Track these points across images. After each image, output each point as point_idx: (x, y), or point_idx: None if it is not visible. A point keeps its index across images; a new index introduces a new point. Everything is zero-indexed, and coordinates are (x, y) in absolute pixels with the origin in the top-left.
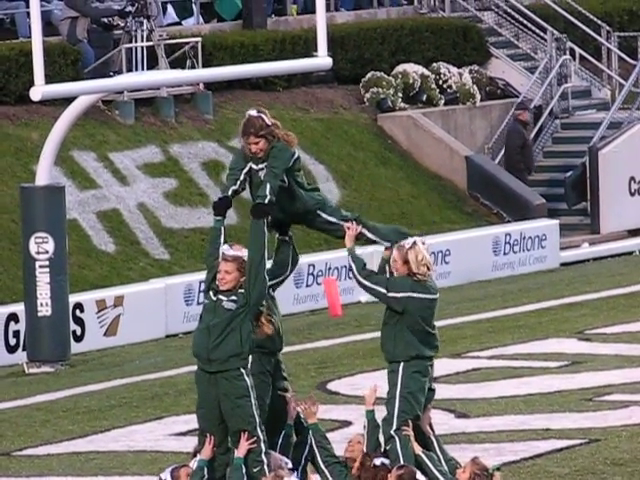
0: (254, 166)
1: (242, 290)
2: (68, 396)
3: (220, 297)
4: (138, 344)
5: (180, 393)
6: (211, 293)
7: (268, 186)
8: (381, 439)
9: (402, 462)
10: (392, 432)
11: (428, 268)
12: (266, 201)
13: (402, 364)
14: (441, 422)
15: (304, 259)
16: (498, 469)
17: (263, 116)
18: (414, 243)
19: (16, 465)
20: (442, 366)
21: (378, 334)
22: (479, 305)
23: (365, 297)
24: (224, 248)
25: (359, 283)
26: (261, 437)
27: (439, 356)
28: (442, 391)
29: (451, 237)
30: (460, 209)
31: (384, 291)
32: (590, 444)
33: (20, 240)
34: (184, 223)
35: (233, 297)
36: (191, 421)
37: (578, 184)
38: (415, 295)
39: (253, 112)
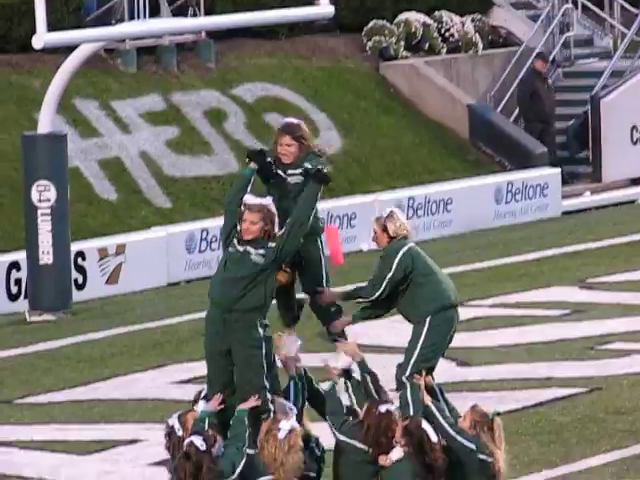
0: (281, 173)
1: (272, 244)
2: (70, 344)
3: (248, 249)
4: (140, 292)
5: (182, 341)
6: (236, 243)
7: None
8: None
9: (411, 409)
10: (404, 378)
11: (407, 232)
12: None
13: (429, 318)
14: (443, 370)
15: None
16: (498, 414)
17: (302, 124)
18: (391, 212)
19: (18, 413)
20: None
21: None
22: (481, 254)
23: (367, 245)
24: (247, 197)
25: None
26: (267, 386)
27: None
28: None
29: (453, 186)
30: (462, 157)
31: (389, 274)
32: (592, 392)
33: (22, 188)
34: (186, 171)
35: (262, 251)
36: (193, 369)
37: (580, 133)
38: (405, 248)
39: (293, 119)
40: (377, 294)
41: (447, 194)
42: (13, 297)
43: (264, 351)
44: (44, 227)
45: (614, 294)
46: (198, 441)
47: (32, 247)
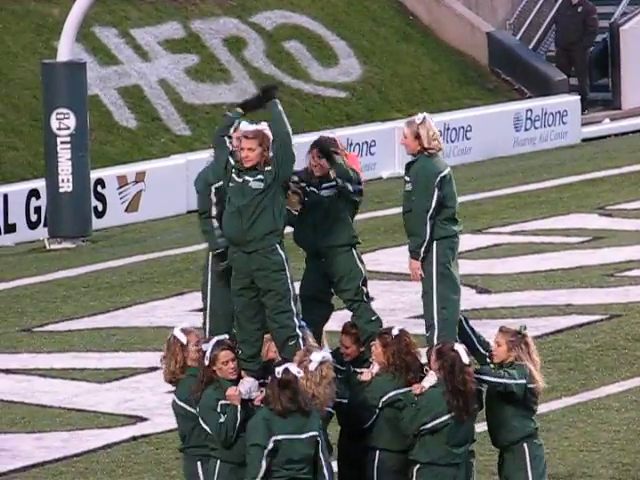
0: (314, 189)
1: (268, 168)
2: (89, 272)
3: (246, 178)
4: (159, 220)
5: (201, 269)
6: (234, 175)
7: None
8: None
9: (436, 330)
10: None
11: (439, 142)
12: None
13: (435, 242)
14: (463, 298)
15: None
16: (525, 328)
17: (337, 139)
18: (424, 118)
19: (37, 341)
20: (463, 242)
21: (399, 210)
22: (500, 181)
23: (387, 173)
24: (243, 124)
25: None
26: (294, 310)
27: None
28: (464, 267)
29: (472, 113)
30: (481, 85)
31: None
32: (611, 319)
33: (41, 116)
34: (205, 99)
35: (259, 176)
36: None
37: (600, 60)
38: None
39: (329, 133)
40: (428, 233)
41: (466, 121)
42: (33, 225)
43: (288, 274)
44: (64, 155)
45: (633, 221)
46: (294, 369)
47: (52, 175)
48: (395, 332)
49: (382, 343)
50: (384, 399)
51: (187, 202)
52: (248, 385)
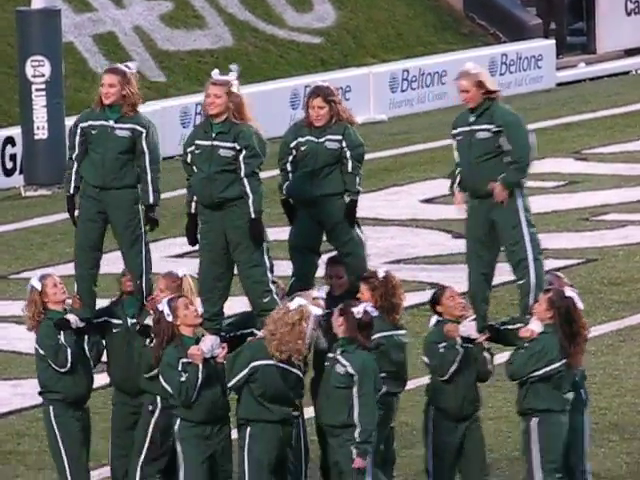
0: (312, 138)
1: (243, 138)
2: (65, 219)
3: (215, 143)
4: None
5: (176, 215)
6: (201, 141)
7: (358, 179)
8: None
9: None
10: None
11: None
12: (358, 198)
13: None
14: (438, 243)
15: (310, 78)
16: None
17: (331, 87)
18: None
19: (13, 288)
20: (438, 186)
21: (373, 155)
22: None
23: (361, 118)
24: (213, 73)
25: None
26: (267, 264)
27: (436, 177)
28: (439, 211)
29: (447, 58)
30: (456, 30)
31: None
32: (587, 264)
33: (16, 64)
34: (180, 45)
35: (229, 144)
36: (187, 244)
37: (575, 3)
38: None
39: (320, 82)
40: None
41: (442, 66)
42: (8, 172)
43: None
44: (39, 102)
45: (609, 165)
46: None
47: (27, 122)
48: (381, 274)
49: (370, 287)
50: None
51: (162, 149)
52: (210, 343)
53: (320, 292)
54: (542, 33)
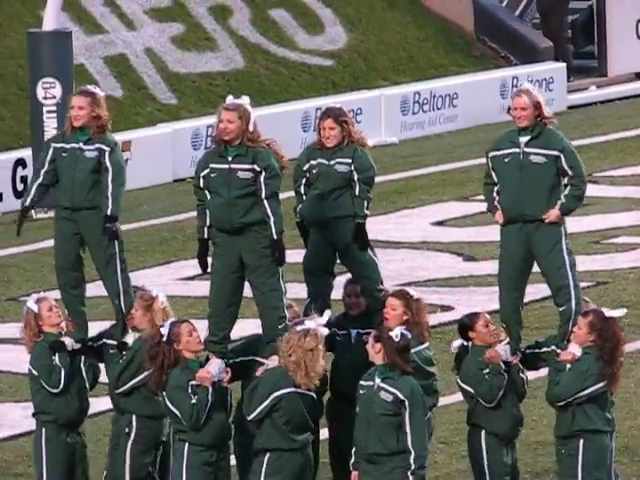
0: (323, 161)
1: (261, 161)
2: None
3: (232, 167)
4: (146, 189)
5: (188, 237)
6: (216, 164)
7: (365, 203)
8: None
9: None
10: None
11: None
12: (365, 221)
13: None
14: (449, 265)
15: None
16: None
17: (343, 108)
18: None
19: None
20: (450, 209)
21: (384, 178)
22: (486, 148)
23: (372, 141)
24: (228, 99)
25: None
26: (284, 289)
27: (447, 199)
28: (450, 234)
29: (458, 80)
30: (467, 52)
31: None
32: (597, 286)
33: (27, 85)
34: (191, 68)
35: (247, 166)
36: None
37: (586, 26)
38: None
39: (332, 104)
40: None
41: (453, 89)
42: (19, 194)
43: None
44: (50, 124)
45: (620, 188)
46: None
47: (38, 144)
48: (413, 292)
49: (404, 302)
50: None
51: (173, 171)
52: (217, 366)
53: (323, 318)
54: (553, 56)
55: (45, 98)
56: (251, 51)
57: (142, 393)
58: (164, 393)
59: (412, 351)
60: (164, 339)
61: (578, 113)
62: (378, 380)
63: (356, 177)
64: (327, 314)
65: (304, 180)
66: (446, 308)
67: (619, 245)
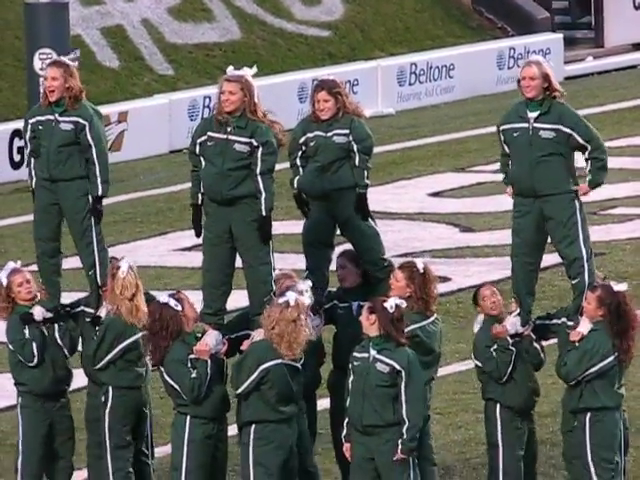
0: (320, 133)
1: (258, 135)
2: None
3: (230, 137)
4: (142, 159)
5: (184, 208)
6: (214, 133)
7: (366, 172)
8: None
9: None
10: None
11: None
12: (367, 190)
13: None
14: (446, 236)
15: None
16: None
17: (336, 79)
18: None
19: None
20: (446, 180)
21: (381, 149)
22: (483, 119)
23: (369, 112)
24: (228, 70)
25: None
26: (273, 264)
27: (444, 170)
28: (446, 205)
29: (455, 51)
30: (464, 23)
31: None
32: (595, 257)
33: (24, 57)
34: (188, 39)
35: (244, 139)
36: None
37: None
38: None
39: (326, 76)
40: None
41: (449, 60)
42: (16, 165)
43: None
44: None
45: (617, 159)
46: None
47: None
48: (420, 265)
49: (407, 275)
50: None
51: (170, 142)
52: (214, 338)
53: (305, 284)
54: (550, 27)
55: (42, 69)
56: (248, 22)
57: (117, 366)
58: (162, 368)
59: (416, 326)
60: (168, 307)
61: (574, 84)
62: (373, 352)
63: (355, 147)
64: (307, 284)
65: (300, 153)
66: (443, 279)
67: (616, 216)
